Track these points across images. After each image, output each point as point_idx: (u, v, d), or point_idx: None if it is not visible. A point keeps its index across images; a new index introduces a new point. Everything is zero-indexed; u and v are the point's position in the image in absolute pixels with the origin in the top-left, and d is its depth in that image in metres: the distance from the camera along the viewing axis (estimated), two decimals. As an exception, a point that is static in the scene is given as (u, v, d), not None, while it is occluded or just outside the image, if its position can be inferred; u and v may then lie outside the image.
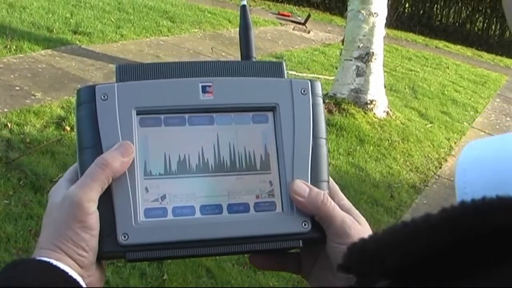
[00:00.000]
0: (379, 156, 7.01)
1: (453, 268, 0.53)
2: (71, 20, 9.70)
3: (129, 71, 0.96)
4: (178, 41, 10.32)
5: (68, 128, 5.72)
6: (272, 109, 0.98)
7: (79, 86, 6.20)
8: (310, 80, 1.01)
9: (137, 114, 0.93)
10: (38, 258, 0.83)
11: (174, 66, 0.98)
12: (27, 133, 5.52)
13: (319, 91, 1.02)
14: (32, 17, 9.39)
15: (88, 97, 0.93)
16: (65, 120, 5.85)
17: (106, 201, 0.89)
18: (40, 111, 6.01)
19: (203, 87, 0.96)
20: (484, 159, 0.63)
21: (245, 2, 1.13)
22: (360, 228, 0.93)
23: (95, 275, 0.89)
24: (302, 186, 0.94)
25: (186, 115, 0.96)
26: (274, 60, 9.09)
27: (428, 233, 0.53)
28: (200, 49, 10.14)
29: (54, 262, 0.82)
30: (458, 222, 0.52)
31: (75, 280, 0.82)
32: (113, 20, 10.35)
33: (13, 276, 0.79)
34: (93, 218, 0.86)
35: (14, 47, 7.79)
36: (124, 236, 0.88)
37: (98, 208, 0.87)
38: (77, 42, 8.85)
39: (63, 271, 0.82)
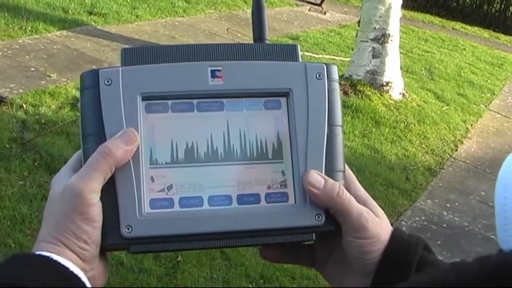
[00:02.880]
0: (394, 138, 6.98)
1: None
2: (86, 1, 9.67)
3: (135, 55, 0.92)
4: (193, 22, 10.29)
5: (83, 109, 5.71)
6: (285, 94, 0.94)
7: (94, 67, 6.23)
8: (325, 64, 0.97)
9: (143, 99, 0.90)
10: (38, 252, 0.80)
11: (182, 49, 0.94)
12: (42, 114, 5.53)
13: (336, 75, 0.97)
14: (48, -2, 9.39)
15: (91, 82, 0.90)
16: (80, 101, 5.84)
17: (109, 192, 0.85)
18: (55, 92, 6.01)
19: (212, 72, 0.92)
20: None
21: None
22: (377, 220, 0.90)
23: (98, 268, 0.86)
24: (317, 178, 0.90)
25: (195, 101, 0.92)
26: (289, 42, 9.07)
27: None
28: (216, 30, 10.11)
29: (55, 257, 0.79)
30: (496, 280, 0.49)
31: (76, 276, 0.79)
32: (128, 0, 10.32)
33: (11, 273, 0.76)
34: (95, 210, 0.83)
35: (30, 28, 7.79)
36: (128, 229, 0.85)
37: (101, 199, 0.84)
38: (93, 23, 8.85)
39: (64, 266, 0.79)
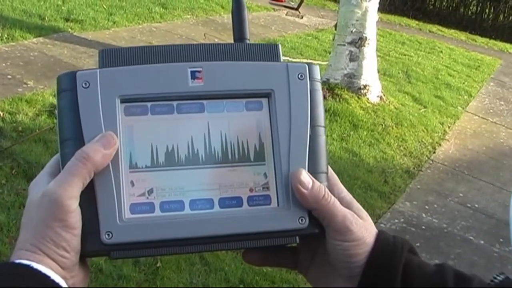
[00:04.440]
0: (372, 141, 7.00)
1: None
2: (63, 8, 9.64)
3: (113, 56, 0.90)
4: (170, 28, 10.27)
5: (61, 116, 5.70)
6: (267, 95, 0.92)
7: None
8: (307, 64, 0.95)
9: (122, 102, 0.87)
10: (17, 261, 0.78)
11: (161, 50, 0.91)
12: (20, 121, 5.49)
13: (317, 75, 0.96)
14: (24, 5, 9.33)
15: (68, 85, 0.87)
16: (58, 108, 5.82)
17: (89, 197, 0.83)
18: (32, 99, 5.98)
19: (192, 73, 0.89)
20: None
21: None
22: (362, 223, 0.89)
23: (78, 275, 0.84)
24: (307, 177, 0.88)
25: (175, 103, 0.89)
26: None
27: None
28: (193, 35, 10.10)
29: (35, 266, 0.77)
30: None
31: (57, 285, 0.77)
32: (105, 7, 10.29)
33: None
34: (74, 217, 0.80)
35: (6, 35, 7.75)
36: (108, 235, 0.83)
37: (80, 205, 0.82)
38: (69, 29, 8.81)
39: (44, 275, 0.77)
